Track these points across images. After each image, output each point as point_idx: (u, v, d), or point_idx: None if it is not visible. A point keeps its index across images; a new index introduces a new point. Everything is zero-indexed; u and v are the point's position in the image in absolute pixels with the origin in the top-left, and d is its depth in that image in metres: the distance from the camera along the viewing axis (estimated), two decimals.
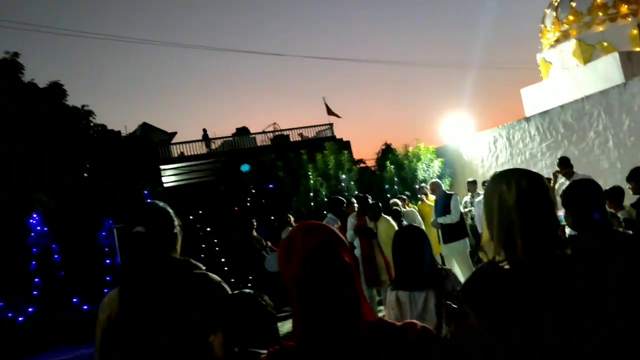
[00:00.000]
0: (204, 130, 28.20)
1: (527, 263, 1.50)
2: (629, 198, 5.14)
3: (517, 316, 1.46)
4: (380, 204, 6.99)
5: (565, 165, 7.09)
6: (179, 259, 2.10)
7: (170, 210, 2.17)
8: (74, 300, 9.38)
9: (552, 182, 7.40)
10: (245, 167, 11.82)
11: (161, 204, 2.18)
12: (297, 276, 1.36)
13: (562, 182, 7.14)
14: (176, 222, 2.16)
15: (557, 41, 13.16)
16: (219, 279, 2.11)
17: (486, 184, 7.44)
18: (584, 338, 1.45)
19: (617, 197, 4.86)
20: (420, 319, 2.70)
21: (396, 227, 6.50)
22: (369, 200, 7.05)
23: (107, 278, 9.80)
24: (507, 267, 1.53)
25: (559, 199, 2.77)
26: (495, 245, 1.57)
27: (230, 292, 2.09)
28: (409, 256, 2.87)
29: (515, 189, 1.55)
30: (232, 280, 10.13)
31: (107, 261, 9.88)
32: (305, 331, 1.35)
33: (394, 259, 2.98)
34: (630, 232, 2.52)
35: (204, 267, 2.13)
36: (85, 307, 9.42)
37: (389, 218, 6.93)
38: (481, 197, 8.96)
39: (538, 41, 14.13)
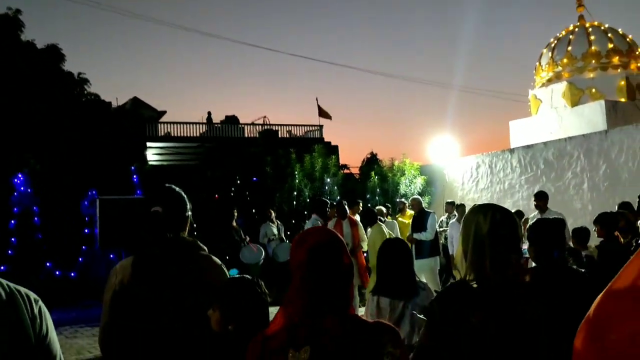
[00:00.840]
0: (209, 113, 28.16)
1: (493, 283, 1.80)
2: (594, 240, 5.50)
3: (474, 331, 1.76)
4: (375, 211, 7.40)
5: (541, 199, 7.49)
6: (188, 239, 2.30)
7: (185, 195, 2.38)
8: (47, 264, 9.42)
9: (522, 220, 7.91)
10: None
11: (177, 188, 2.38)
12: (303, 262, 1.61)
13: (534, 216, 7.51)
14: (189, 207, 2.38)
15: (550, 81, 13.66)
16: (220, 261, 2.32)
17: (460, 207, 7.77)
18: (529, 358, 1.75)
19: (582, 236, 5.21)
20: (396, 325, 2.99)
21: (387, 236, 6.88)
22: (345, 207, 7.54)
23: (83, 247, 9.86)
24: (475, 285, 1.83)
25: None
26: (468, 266, 1.87)
27: (227, 274, 2.32)
28: (394, 266, 3.12)
29: (490, 220, 1.87)
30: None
31: (86, 230, 9.94)
32: (298, 315, 1.59)
33: (379, 266, 3.23)
34: (583, 270, 2.82)
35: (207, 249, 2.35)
36: (57, 272, 9.46)
37: (384, 226, 7.28)
38: (453, 219, 9.34)
39: (532, 77, 14.64)
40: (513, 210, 8.44)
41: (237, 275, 2.22)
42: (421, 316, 2.65)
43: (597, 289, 1.14)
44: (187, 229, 2.34)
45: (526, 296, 1.81)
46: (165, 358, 2.13)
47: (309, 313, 1.55)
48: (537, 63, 14.18)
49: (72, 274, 9.53)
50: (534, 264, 2.67)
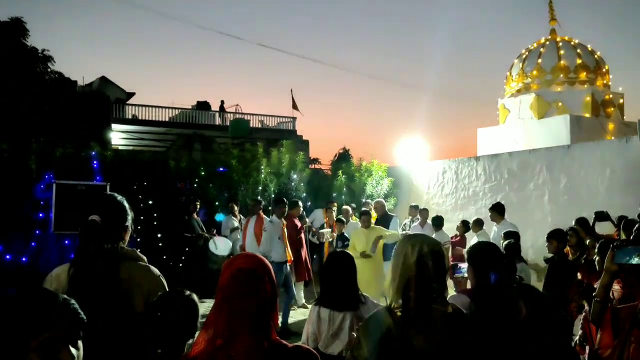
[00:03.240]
0: (222, 102, 27.54)
1: (416, 313, 1.89)
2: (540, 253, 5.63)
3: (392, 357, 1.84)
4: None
5: (494, 211, 7.63)
6: (127, 250, 2.23)
7: (126, 205, 2.31)
8: None
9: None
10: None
11: (119, 197, 2.31)
12: (223, 285, 1.62)
13: (494, 230, 7.64)
14: (129, 216, 2.31)
15: (519, 91, 13.93)
16: (158, 272, 2.26)
17: (423, 211, 7.87)
18: None
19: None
20: (335, 336, 3.07)
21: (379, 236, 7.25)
22: (285, 204, 7.93)
23: (37, 231, 9.54)
24: (399, 313, 1.92)
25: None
26: (394, 294, 1.96)
27: (166, 286, 2.25)
28: (336, 279, 3.19)
29: (417, 251, 1.96)
30: (165, 257, 10.12)
31: (40, 215, 9.61)
32: (218, 337, 1.57)
33: (322, 277, 3.32)
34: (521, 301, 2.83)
35: (146, 259, 2.28)
36: (8, 256, 9.13)
37: (382, 229, 7.46)
38: (416, 223, 9.46)
39: (502, 86, 14.90)
40: (474, 218, 8.68)
41: (175, 290, 2.16)
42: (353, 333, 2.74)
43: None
44: (127, 238, 2.28)
45: (447, 326, 1.90)
46: None
47: (227, 337, 1.56)
48: (508, 73, 14.45)
49: (24, 259, 9.22)
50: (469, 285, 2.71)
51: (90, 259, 2.13)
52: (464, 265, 2.90)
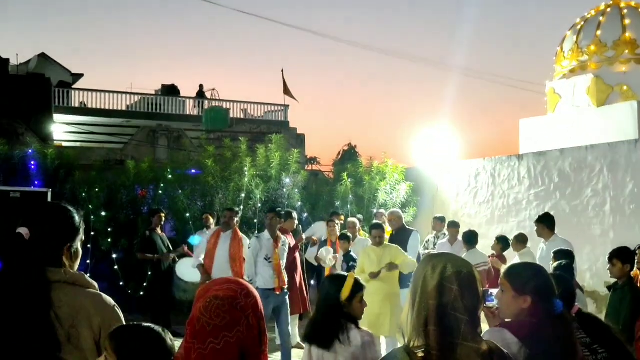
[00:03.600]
0: (200, 86, 27.62)
1: (439, 353, 1.83)
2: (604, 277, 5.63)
3: None
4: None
5: (542, 223, 7.62)
6: (71, 273, 2.18)
7: (76, 218, 2.26)
8: None
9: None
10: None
11: (67, 207, 2.27)
12: (192, 319, 1.62)
13: (541, 247, 7.64)
14: (78, 235, 2.26)
15: (573, 72, 13.94)
16: (113, 302, 2.24)
17: (452, 225, 7.91)
18: None
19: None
20: None
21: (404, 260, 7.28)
22: (277, 215, 7.85)
23: None
24: (420, 354, 1.87)
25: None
26: (412, 329, 1.91)
27: (122, 318, 2.24)
28: (324, 308, 3.25)
29: (439, 274, 1.90)
30: (121, 284, 10.11)
31: None
32: None
33: (315, 310, 3.37)
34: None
35: (96, 285, 2.26)
36: None
37: (398, 248, 7.48)
38: (444, 240, 9.44)
39: (551, 66, 14.92)
40: (516, 233, 8.67)
41: (139, 324, 2.13)
42: None
43: None
44: (75, 264, 2.25)
45: None
46: None
47: None
48: (559, 48, 14.46)
49: None
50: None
51: (9, 284, 2.08)
52: (494, 291, 2.85)
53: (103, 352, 1.95)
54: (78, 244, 2.27)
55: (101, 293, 2.22)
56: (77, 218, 2.27)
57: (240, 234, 8.50)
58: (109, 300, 2.22)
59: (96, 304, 2.17)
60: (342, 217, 10.19)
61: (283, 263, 7.63)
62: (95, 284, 2.22)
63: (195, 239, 9.46)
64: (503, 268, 7.78)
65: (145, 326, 2.09)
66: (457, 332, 1.84)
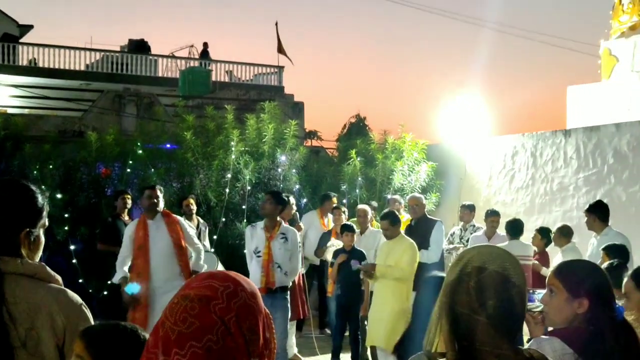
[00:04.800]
0: (205, 44, 27.49)
1: None
2: None
3: None
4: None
5: (593, 213, 7.59)
6: (28, 264, 2.20)
7: (39, 199, 2.28)
8: None
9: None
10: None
11: (32, 186, 2.29)
12: (158, 322, 1.55)
13: (592, 242, 7.62)
14: (41, 221, 2.30)
15: (633, 29, 13.87)
16: (79, 300, 2.26)
17: (492, 216, 7.88)
18: None
19: None
20: None
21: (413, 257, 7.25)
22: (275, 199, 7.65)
23: None
24: None
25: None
26: (436, 335, 1.95)
27: (91, 318, 2.25)
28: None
29: (459, 268, 1.94)
30: (81, 280, 10.13)
31: None
32: None
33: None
34: None
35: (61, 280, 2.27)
36: None
37: (412, 242, 7.47)
38: (479, 232, 9.40)
39: (606, 23, 14.83)
40: (559, 225, 8.68)
41: (112, 323, 2.15)
42: None
43: None
44: (36, 254, 2.26)
45: None
46: None
47: None
48: (616, 0, 14.38)
49: None
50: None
51: None
52: (541, 291, 2.83)
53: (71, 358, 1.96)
54: (40, 231, 2.29)
55: (66, 289, 2.23)
56: (39, 199, 2.28)
57: (175, 215, 7.88)
58: (76, 297, 2.23)
59: (60, 302, 2.18)
60: (335, 200, 10.12)
61: (281, 260, 7.49)
62: (59, 277, 2.23)
63: (132, 287, 7.29)
64: (545, 272, 7.76)
65: (118, 324, 2.11)
66: (471, 336, 1.87)
